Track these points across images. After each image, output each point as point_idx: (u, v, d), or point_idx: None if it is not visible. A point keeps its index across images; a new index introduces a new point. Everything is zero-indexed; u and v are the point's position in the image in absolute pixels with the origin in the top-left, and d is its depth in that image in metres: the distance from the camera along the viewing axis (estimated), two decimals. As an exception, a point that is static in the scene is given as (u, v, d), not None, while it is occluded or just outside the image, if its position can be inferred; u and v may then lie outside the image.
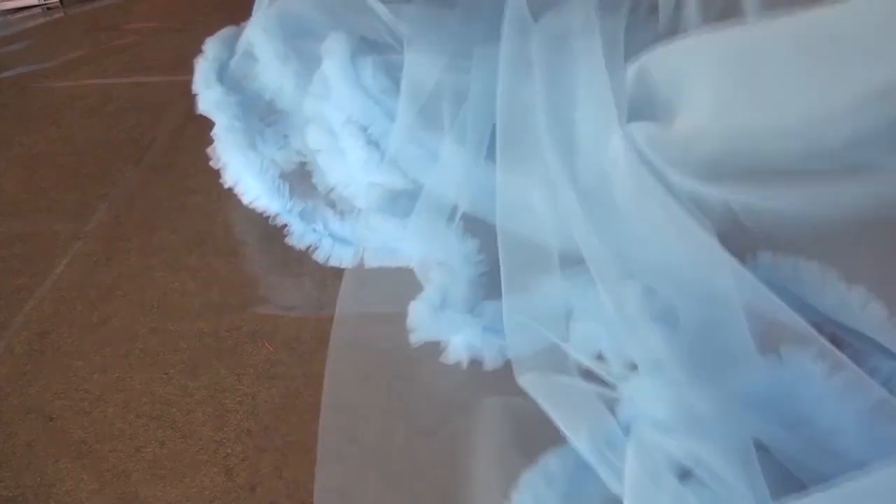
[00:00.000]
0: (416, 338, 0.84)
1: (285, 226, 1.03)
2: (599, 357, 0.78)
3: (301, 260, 1.01)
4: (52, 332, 0.95)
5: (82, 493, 0.74)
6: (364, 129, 1.03)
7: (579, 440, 0.68)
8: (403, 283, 0.92)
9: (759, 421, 0.67)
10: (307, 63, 1.12)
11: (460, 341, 0.83)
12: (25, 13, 2.12)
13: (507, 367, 0.80)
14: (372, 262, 0.99)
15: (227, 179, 1.09)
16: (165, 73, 1.61)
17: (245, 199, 1.07)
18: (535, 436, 0.71)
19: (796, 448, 0.65)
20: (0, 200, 1.24)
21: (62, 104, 1.56)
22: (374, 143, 1.02)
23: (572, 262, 0.86)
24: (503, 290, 0.85)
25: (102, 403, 0.84)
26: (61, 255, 1.09)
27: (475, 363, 0.83)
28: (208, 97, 1.14)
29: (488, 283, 0.91)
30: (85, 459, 0.77)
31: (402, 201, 1.00)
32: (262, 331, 0.92)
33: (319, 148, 1.08)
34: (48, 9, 2.15)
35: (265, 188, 1.05)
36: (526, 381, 0.77)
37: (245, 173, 1.07)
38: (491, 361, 0.82)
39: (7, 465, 0.78)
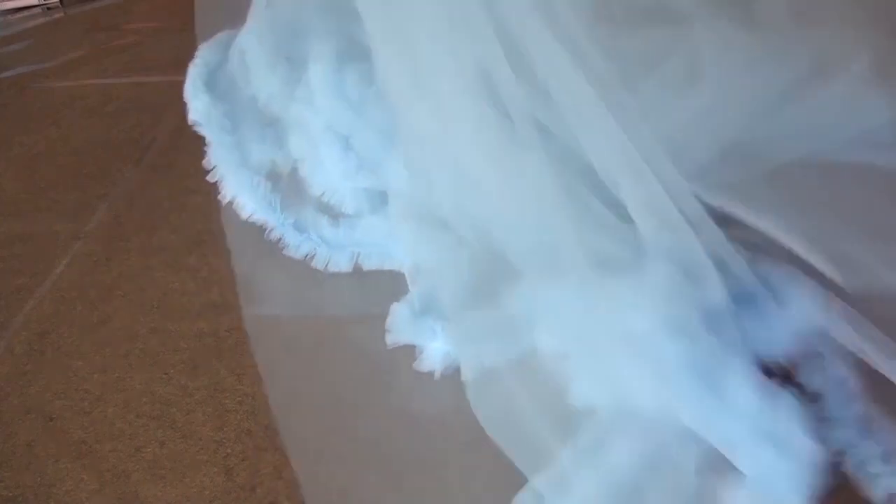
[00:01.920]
0: (391, 340, 0.85)
1: (280, 239, 1.03)
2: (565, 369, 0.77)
3: (301, 260, 1.01)
4: (52, 332, 0.95)
5: (82, 493, 0.74)
6: (343, 138, 1.03)
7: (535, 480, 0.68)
8: (402, 282, 0.92)
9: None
10: (296, 68, 1.12)
11: (437, 349, 0.83)
12: (25, 13, 2.12)
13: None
14: (369, 264, 0.99)
15: (224, 194, 1.09)
16: (165, 73, 1.61)
17: (243, 215, 1.07)
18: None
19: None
20: (0, 200, 1.24)
21: (62, 104, 1.56)
22: (352, 151, 1.02)
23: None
24: (468, 301, 0.84)
25: (102, 403, 0.84)
26: (61, 255, 1.09)
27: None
28: (195, 107, 1.14)
29: (473, 292, 0.90)
30: (85, 459, 0.77)
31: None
32: (262, 331, 0.92)
33: (302, 156, 1.08)
34: (48, 9, 2.15)
35: (257, 204, 1.06)
36: (484, 418, 0.75)
37: (239, 189, 1.08)
38: (467, 371, 0.81)
39: (7, 465, 0.78)
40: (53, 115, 1.51)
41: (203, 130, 1.12)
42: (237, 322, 0.94)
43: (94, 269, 1.05)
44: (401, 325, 0.85)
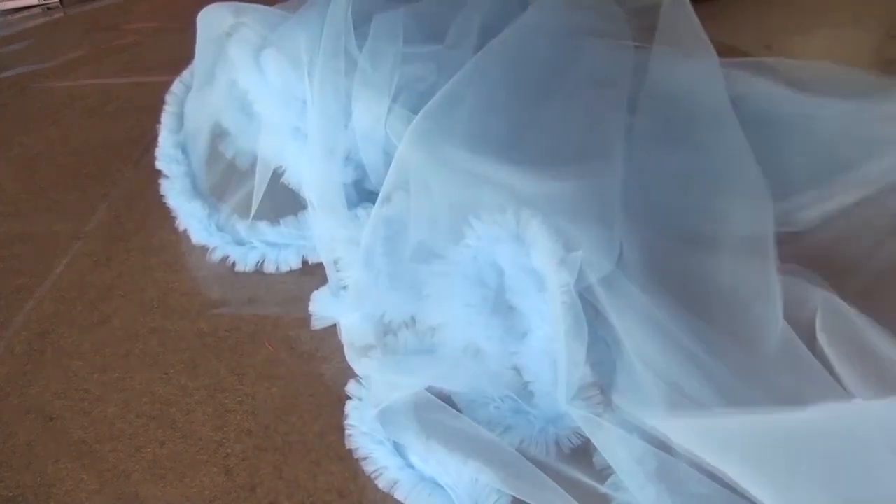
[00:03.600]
0: (316, 324, 0.89)
1: (226, 257, 1.04)
2: None
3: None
4: (52, 332, 0.95)
5: (82, 493, 0.74)
6: (296, 129, 1.01)
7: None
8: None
9: None
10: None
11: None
12: (25, 13, 2.12)
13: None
14: (314, 257, 1.00)
15: (179, 223, 1.10)
16: (165, 73, 1.60)
17: (193, 241, 1.07)
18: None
19: None
20: (0, 200, 1.24)
21: (62, 104, 1.56)
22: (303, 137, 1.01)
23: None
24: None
25: (102, 403, 0.84)
26: (61, 255, 1.09)
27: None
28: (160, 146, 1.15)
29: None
30: (85, 459, 0.77)
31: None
32: (262, 331, 0.92)
33: (268, 155, 1.06)
34: (48, 9, 2.15)
35: (200, 231, 1.06)
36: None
37: (187, 220, 1.08)
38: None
39: (7, 465, 0.78)
40: (53, 115, 1.51)
41: (159, 164, 1.13)
42: (237, 322, 0.94)
43: (94, 269, 1.05)
44: (321, 306, 0.90)
